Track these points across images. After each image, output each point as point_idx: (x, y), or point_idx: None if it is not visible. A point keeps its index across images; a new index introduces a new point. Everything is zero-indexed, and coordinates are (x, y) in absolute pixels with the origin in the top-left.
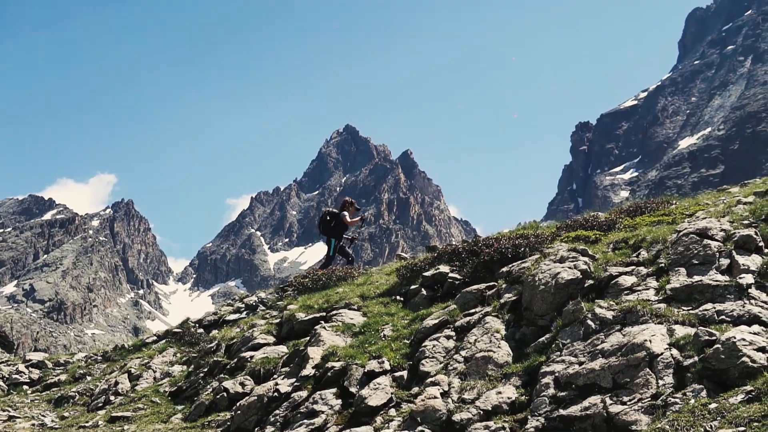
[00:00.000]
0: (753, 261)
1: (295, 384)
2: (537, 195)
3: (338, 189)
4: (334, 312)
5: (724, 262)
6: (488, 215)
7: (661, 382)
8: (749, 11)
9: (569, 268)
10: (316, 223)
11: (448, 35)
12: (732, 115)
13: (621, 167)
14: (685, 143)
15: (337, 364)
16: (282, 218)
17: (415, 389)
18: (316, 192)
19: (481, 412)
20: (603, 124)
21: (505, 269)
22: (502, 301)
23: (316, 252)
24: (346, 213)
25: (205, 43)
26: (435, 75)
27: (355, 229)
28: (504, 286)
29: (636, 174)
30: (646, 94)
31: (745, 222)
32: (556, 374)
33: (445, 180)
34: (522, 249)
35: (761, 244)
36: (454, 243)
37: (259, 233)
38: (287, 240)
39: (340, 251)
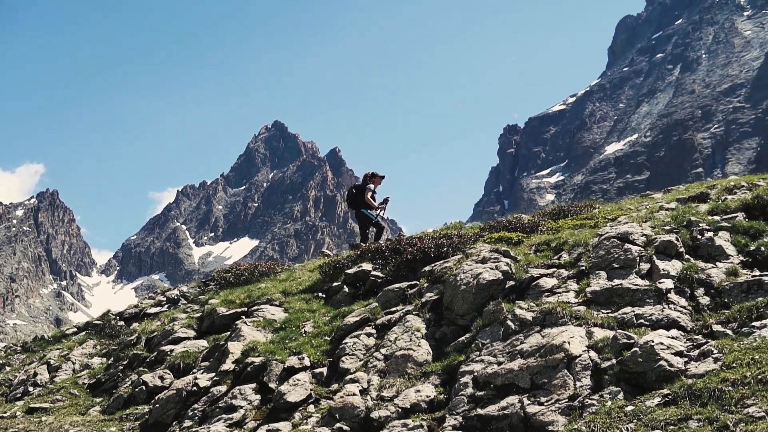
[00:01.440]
0: (673, 266)
1: (215, 378)
2: (464, 196)
3: (265, 185)
4: (256, 307)
5: (645, 266)
6: (415, 215)
7: (578, 384)
8: (679, 20)
9: (491, 268)
10: (344, 198)
11: (378, 34)
12: (659, 122)
13: (547, 171)
14: (612, 149)
15: (257, 360)
16: (208, 212)
17: (335, 386)
18: (243, 187)
19: (400, 410)
20: (531, 127)
21: (427, 268)
22: (423, 300)
23: (241, 247)
24: (371, 186)
25: (137, 39)
26: (365, 73)
27: (378, 212)
28: (426, 285)
29: (562, 178)
30: (574, 99)
31: (667, 228)
32: (475, 374)
33: None
34: (445, 249)
35: (682, 249)
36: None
37: (184, 227)
38: (212, 234)
39: (373, 223)
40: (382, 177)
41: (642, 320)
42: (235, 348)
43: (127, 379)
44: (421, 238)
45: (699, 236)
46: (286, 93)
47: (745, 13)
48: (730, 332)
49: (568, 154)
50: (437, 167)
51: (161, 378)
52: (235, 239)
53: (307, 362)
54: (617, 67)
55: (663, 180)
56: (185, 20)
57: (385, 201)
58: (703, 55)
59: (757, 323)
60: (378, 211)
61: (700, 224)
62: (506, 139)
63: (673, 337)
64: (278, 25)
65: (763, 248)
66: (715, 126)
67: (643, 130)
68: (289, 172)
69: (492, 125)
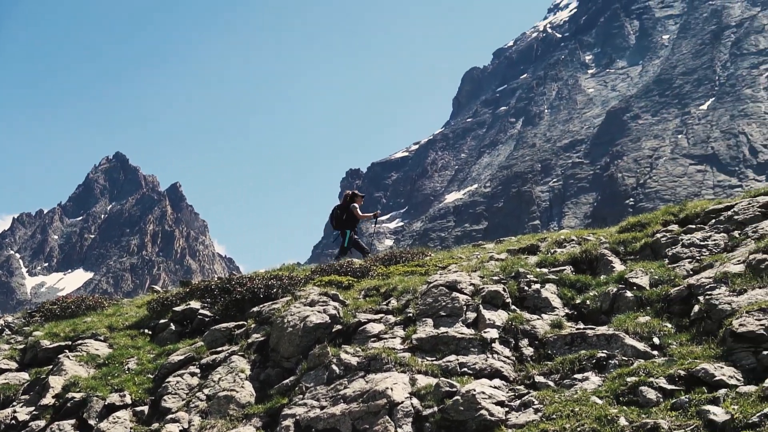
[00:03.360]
0: (499, 316)
1: (34, 413)
2: (305, 237)
3: (103, 216)
4: (80, 341)
5: (471, 315)
6: (256, 254)
7: (399, 431)
8: (524, 75)
9: (319, 312)
10: (328, 221)
11: (228, 72)
12: (499, 173)
13: (387, 216)
14: (452, 197)
15: (78, 395)
16: (43, 242)
17: (155, 425)
18: (80, 218)
19: None
20: (373, 172)
21: (255, 309)
22: (250, 340)
23: (75, 279)
24: (356, 205)
25: None
26: (212, 112)
27: (372, 223)
28: (253, 326)
29: (402, 224)
30: (417, 147)
31: (495, 278)
32: (297, 417)
33: (215, 217)
34: (275, 290)
35: (508, 300)
36: (212, 279)
37: (18, 255)
38: (47, 264)
39: (354, 245)
40: (363, 196)
41: (466, 369)
42: (56, 382)
43: None
44: (252, 278)
45: (526, 287)
46: (130, 125)
47: (590, 71)
48: (552, 384)
49: (408, 200)
50: (280, 207)
51: None
52: (70, 270)
53: (128, 400)
54: (461, 117)
55: (500, 230)
56: (28, 45)
57: (374, 216)
58: (546, 110)
59: (578, 376)
60: (373, 217)
61: (528, 276)
62: (348, 183)
63: (495, 387)
64: (127, 57)
65: (588, 302)
66: (554, 180)
67: (483, 180)
68: (128, 205)
69: (335, 168)
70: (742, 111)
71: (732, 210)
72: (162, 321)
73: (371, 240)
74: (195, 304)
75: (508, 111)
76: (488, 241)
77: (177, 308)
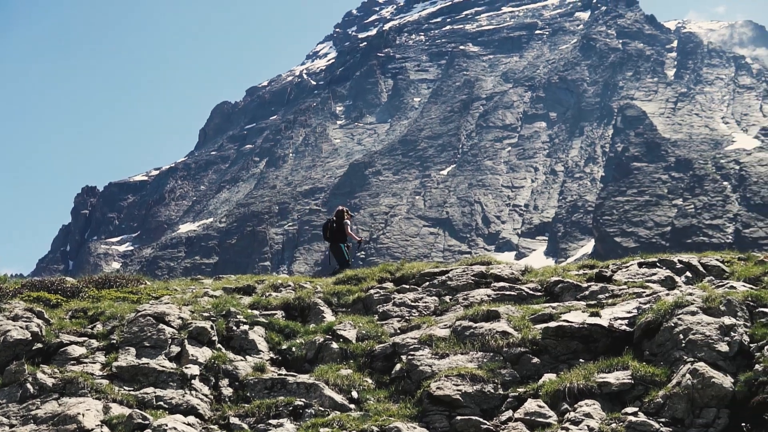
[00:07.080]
0: (203, 353)
1: None
2: (32, 249)
3: None
4: None
5: (175, 349)
6: None
7: None
8: (274, 116)
9: (21, 327)
10: (322, 232)
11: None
12: (236, 210)
13: (118, 238)
14: (186, 228)
15: None
16: None
17: None
18: None
19: None
20: (109, 192)
21: None
22: None
23: None
24: (347, 222)
25: None
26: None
27: (354, 244)
28: None
29: (132, 248)
30: (158, 172)
31: (206, 314)
32: None
33: None
34: None
35: (215, 338)
36: None
37: None
38: None
39: (336, 254)
40: (352, 215)
41: (162, 402)
42: None
43: None
44: None
45: (235, 328)
46: None
47: (339, 122)
48: (246, 426)
49: (141, 225)
50: (10, 217)
51: None
52: None
53: None
54: (206, 149)
55: (231, 266)
56: None
57: (359, 242)
58: (291, 154)
59: (274, 421)
60: (358, 242)
61: (239, 316)
62: (82, 200)
63: (188, 424)
64: None
65: (294, 349)
66: (290, 224)
67: (219, 215)
68: None
69: (70, 184)
70: (480, 181)
71: (447, 275)
72: None
73: (98, 262)
74: None
75: (254, 150)
76: (215, 276)
77: None
